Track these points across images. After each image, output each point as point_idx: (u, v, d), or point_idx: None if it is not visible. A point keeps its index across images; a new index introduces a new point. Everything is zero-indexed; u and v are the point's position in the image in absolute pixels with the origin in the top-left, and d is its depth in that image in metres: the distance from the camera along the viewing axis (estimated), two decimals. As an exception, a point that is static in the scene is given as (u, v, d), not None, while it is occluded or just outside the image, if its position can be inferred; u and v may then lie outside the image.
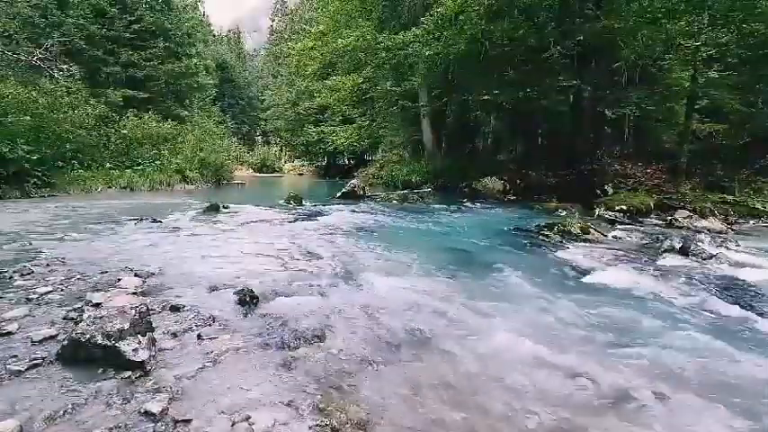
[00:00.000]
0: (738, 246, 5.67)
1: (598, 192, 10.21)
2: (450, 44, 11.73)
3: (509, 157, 15.33)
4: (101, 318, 2.10)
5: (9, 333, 2.28)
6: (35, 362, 2.00)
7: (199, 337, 2.40)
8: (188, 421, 1.66)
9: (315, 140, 30.23)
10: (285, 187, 17.68)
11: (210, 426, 1.65)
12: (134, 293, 2.92)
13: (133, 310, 2.17)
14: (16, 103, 10.97)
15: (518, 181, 12.54)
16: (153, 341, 2.15)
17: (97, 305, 2.55)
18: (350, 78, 18.62)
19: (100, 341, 1.99)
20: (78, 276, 3.35)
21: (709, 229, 6.96)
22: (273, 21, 68.65)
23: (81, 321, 2.12)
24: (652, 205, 9.00)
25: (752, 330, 2.95)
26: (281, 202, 10.16)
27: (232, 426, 1.66)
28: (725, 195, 9.34)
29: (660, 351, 2.54)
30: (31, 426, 1.58)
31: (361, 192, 11.95)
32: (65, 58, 15.66)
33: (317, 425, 1.70)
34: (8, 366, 1.95)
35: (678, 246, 5.17)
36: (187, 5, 29.44)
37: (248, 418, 1.71)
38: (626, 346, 2.60)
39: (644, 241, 6.03)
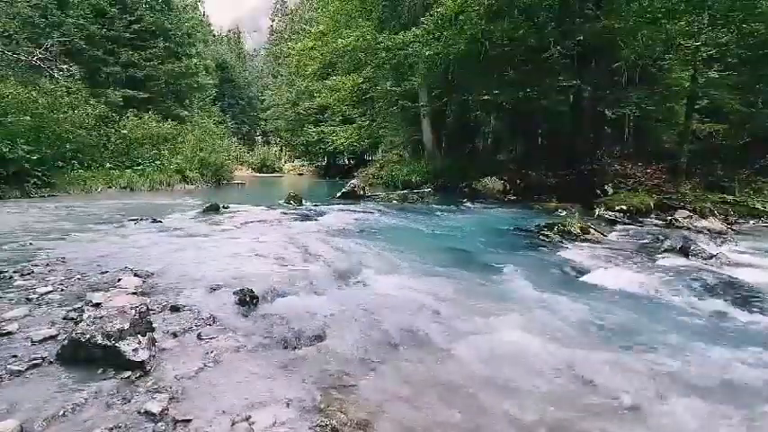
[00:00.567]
0: (738, 246, 5.67)
1: (598, 192, 10.20)
2: (450, 44, 11.72)
3: (509, 157, 15.33)
4: (101, 318, 2.10)
5: (9, 333, 2.28)
6: (35, 362, 2.00)
7: (199, 337, 2.40)
8: (188, 421, 1.66)
9: (315, 140, 30.23)
10: (285, 187, 17.68)
11: (210, 426, 1.65)
12: (134, 293, 2.92)
13: (133, 310, 2.18)
14: (16, 103, 10.97)
15: (518, 181, 12.53)
16: (153, 341, 2.15)
17: (97, 305, 2.55)
18: (350, 78, 18.61)
19: (100, 341, 1.99)
20: (78, 276, 3.35)
21: (709, 229, 6.96)
22: (273, 21, 68.64)
23: (81, 321, 2.12)
24: (652, 205, 9.00)
25: (752, 330, 2.96)
26: (281, 202, 10.15)
27: (232, 426, 1.66)
28: (725, 195, 9.34)
29: (660, 351, 2.54)
30: (31, 426, 1.58)
31: (361, 192, 11.94)
32: (65, 58, 15.66)
33: (316, 425, 1.70)
34: (8, 366, 1.95)
35: (678, 246, 5.17)
36: (187, 5, 29.45)
37: (248, 418, 1.71)
38: (626, 346, 2.60)
39: (644, 241, 6.03)
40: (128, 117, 16.74)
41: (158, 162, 15.47)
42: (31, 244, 4.52)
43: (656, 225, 7.72)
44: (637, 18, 9.48)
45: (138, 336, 2.07)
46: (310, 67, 22.37)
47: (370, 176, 18.90)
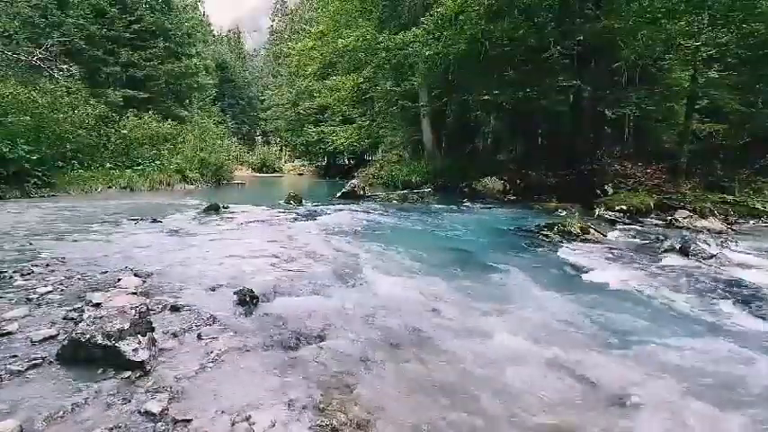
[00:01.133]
0: (738, 246, 5.67)
1: (598, 192, 10.20)
2: (450, 44, 11.73)
3: (509, 157, 15.33)
4: (101, 318, 2.10)
5: (9, 333, 2.28)
6: (35, 362, 2.00)
7: (199, 337, 2.40)
8: (188, 421, 1.66)
9: (315, 140, 30.23)
10: (285, 187, 17.68)
11: (210, 426, 1.65)
12: (134, 293, 2.92)
13: (133, 310, 2.18)
14: (16, 103, 10.97)
15: (518, 181, 12.53)
16: (153, 341, 2.15)
17: (97, 305, 2.55)
18: (350, 78, 18.61)
19: (100, 341, 1.99)
20: (78, 276, 3.35)
21: (709, 229, 6.96)
22: (273, 21, 68.60)
23: (81, 321, 2.12)
24: (652, 205, 9.00)
25: (752, 330, 2.95)
26: (281, 202, 10.16)
27: (232, 426, 1.66)
28: (725, 195, 9.33)
29: (660, 351, 2.54)
30: (31, 426, 1.58)
31: (361, 192, 11.95)
32: (65, 58, 15.65)
33: (316, 425, 1.70)
34: (8, 366, 1.95)
35: (678, 246, 5.17)
36: (187, 5, 29.46)
37: (248, 418, 1.71)
38: (626, 346, 2.60)
39: (644, 241, 6.03)
40: (128, 117, 16.73)
41: (158, 162, 15.46)
42: (30, 244, 4.52)
43: (656, 225, 7.72)
44: (637, 18, 9.48)
45: (139, 336, 2.07)
46: (310, 67, 22.40)
47: (370, 176, 18.90)
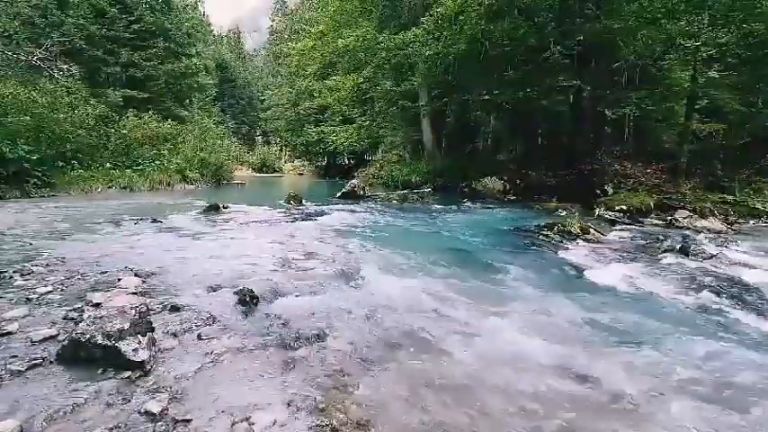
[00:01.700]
0: (738, 246, 5.67)
1: (598, 192, 10.20)
2: (450, 44, 11.73)
3: (509, 157, 15.33)
4: (101, 318, 2.10)
5: (9, 333, 2.28)
6: (35, 362, 2.00)
7: (199, 337, 2.40)
8: (188, 421, 1.66)
9: (315, 140, 30.24)
10: (285, 187, 17.68)
11: (210, 426, 1.65)
12: (134, 293, 2.92)
13: (133, 310, 2.18)
14: (16, 103, 10.97)
15: (518, 181, 12.53)
16: (153, 341, 2.15)
17: (97, 305, 2.55)
18: (350, 78, 18.62)
19: (100, 341, 1.99)
20: (78, 276, 3.35)
21: (709, 229, 6.96)
22: (273, 21, 68.63)
23: (81, 321, 2.12)
24: (652, 205, 9.00)
25: (752, 330, 2.95)
26: (281, 202, 10.16)
27: (232, 426, 1.66)
28: (725, 195, 9.33)
29: (660, 351, 2.54)
30: (31, 426, 1.59)
31: (361, 192, 11.95)
32: (65, 58, 15.67)
33: (317, 425, 1.70)
34: (8, 366, 1.95)
35: (678, 246, 5.17)
36: (187, 5, 29.47)
37: (248, 418, 1.71)
38: (626, 346, 2.60)
39: (644, 241, 6.03)
40: (128, 117, 16.74)
41: (158, 162, 15.47)
42: (30, 244, 4.52)
43: (656, 225, 7.72)
44: (637, 18, 9.49)
45: (139, 336, 2.07)
46: (310, 68, 22.41)
47: (370, 176, 18.91)
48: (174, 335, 2.40)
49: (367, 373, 2.16)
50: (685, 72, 11.34)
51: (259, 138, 53.17)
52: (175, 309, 2.75)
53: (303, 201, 10.20)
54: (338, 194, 11.76)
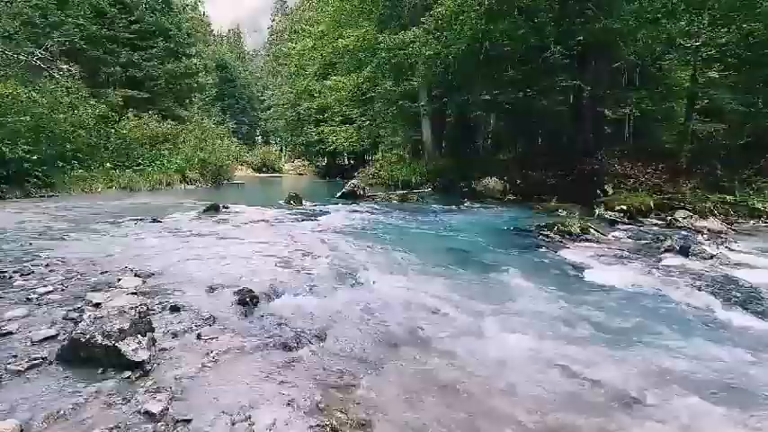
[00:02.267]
0: (738, 246, 5.67)
1: (598, 192, 10.20)
2: (450, 44, 11.74)
3: (509, 157, 15.33)
4: (101, 318, 2.10)
5: (9, 333, 2.28)
6: (35, 362, 2.00)
7: (199, 337, 2.40)
8: (188, 421, 1.66)
9: (315, 140, 30.28)
10: (285, 187, 17.69)
11: (210, 426, 1.65)
12: (134, 293, 2.92)
13: (133, 310, 2.17)
14: (16, 103, 10.96)
15: (518, 181, 12.53)
16: (153, 341, 2.15)
17: (97, 305, 2.55)
18: (350, 78, 18.63)
19: (100, 341, 1.98)
20: (78, 276, 3.35)
21: (709, 229, 6.96)
22: (273, 21, 68.64)
23: (81, 321, 2.12)
24: (652, 205, 8.99)
25: (751, 330, 2.95)
26: (281, 202, 10.16)
27: (232, 426, 1.66)
28: (725, 195, 9.32)
29: (660, 351, 2.54)
30: (31, 426, 1.58)
31: (361, 192, 11.95)
32: (65, 58, 15.64)
33: (317, 425, 1.70)
34: (8, 366, 1.95)
35: (678, 246, 5.17)
36: (187, 5, 29.48)
37: (248, 417, 1.71)
38: (626, 346, 2.60)
39: (644, 241, 6.03)
40: (128, 117, 16.73)
41: (158, 162, 15.47)
42: (30, 244, 4.52)
43: (655, 225, 7.72)
44: (637, 18, 9.49)
45: (139, 336, 2.07)
46: (310, 68, 22.41)
47: (370, 176, 18.90)
48: (174, 335, 2.40)
49: (367, 373, 2.16)
50: (685, 72, 11.36)
51: (259, 138, 53.20)
52: (175, 309, 2.75)
53: (303, 201, 10.21)
54: (338, 194, 11.77)
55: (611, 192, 10.20)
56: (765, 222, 8.17)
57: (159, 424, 1.63)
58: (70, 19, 17.20)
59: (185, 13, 27.27)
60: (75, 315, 2.50)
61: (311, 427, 1.69)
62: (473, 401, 1.96)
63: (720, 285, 3.88)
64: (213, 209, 7.69)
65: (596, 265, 4.58)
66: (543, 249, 5.45)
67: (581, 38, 10.25)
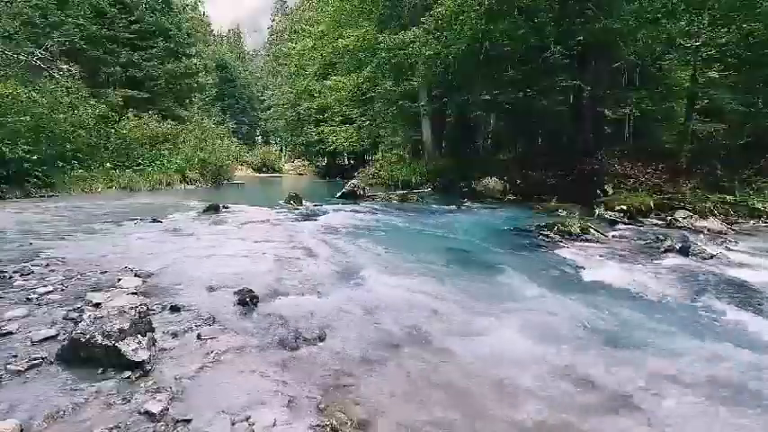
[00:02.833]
0: (738, 246, 5.67)
1: (598, 192, 10.20)
2: (450, 44, 11.74)
3: (509, 157, 15.33)
4: (101, 318, 2.10)
5: (9, 333, 2.28)
6: (35, 362, 2.00)
7: (199, 337, 2.40)
8: (188, 421, 1.66)
9: (315, 140, 30.27)
10: (285, 187, 17.68)
11: (210, 426, 1.65)
12: (134, 293, 2.92)
13: (133, 310, 2.18)
14: (16, 103, 10.95)
15: (518, 181, 12.53)
16: (153, 341, 2.15)
17: (97, 305, 2.56)
18: (350, 78, 18.63)
19: (100, 341, 1.99)
20: (78, 276, 3.35)
21: (709, 229, 6.95)
22: (273, 21, 68.64)
23: (81, 321, 2.12)
24: (652, 205, 8.98)
25: (751, 330, 2.95)
26: (281, 202, 10.15)
27: (232, 426, 1.66)
28: (725, 195, 9.31)
29: (660, 351, 2.54)
30: (31, 426, 1.59)
31: (361, 192, 11.95)
32: (65, 58, 15.64)
33: (317, 425, 1.70)
34: (8, 366, 1.95)
35: (678, 246, 5.17)
36: (187, 5, 29.47)
37: (248, 418, 1.71)
38: (626, 346, 2.60)
39: (644, 241, 6.03)
40: (128, 117, 16.73)
41: (158, 162, 15.46)
42: (30, 244, 4.52)
43: (655, 225, 7.71)
44: (637, 18, 9.49)
45: (139, 336, 2.07)
46: (310, 68, 22.41)
47: (370, 176, 18.89)
48: (174, 335, 2.40)
49: (367, 372, 2.16)
50: (685, 72, 11.35)
51: (259, 138, 53.20)
52: (175, 309, 2.75)
53: (303, 201, 10.20)
54: (338, 194, 11.77)
55: (611, 192, 10.20)
56: (765, 222, 8.17)
57: (159, 424, 1.63)
58: (70, 19, 17.19)
59: (185, 13, 27.26)
60: (75, 315, 2.50)
61: (311, 427, 1.69)
62: (473, 401, 1.96)
63: (720, 285, 3.88)
64: (213, 209, 7.69)
65: (596, 265, 4.57)
66: (543, 249, 5.45)
67: (581, 38, 10.25)
